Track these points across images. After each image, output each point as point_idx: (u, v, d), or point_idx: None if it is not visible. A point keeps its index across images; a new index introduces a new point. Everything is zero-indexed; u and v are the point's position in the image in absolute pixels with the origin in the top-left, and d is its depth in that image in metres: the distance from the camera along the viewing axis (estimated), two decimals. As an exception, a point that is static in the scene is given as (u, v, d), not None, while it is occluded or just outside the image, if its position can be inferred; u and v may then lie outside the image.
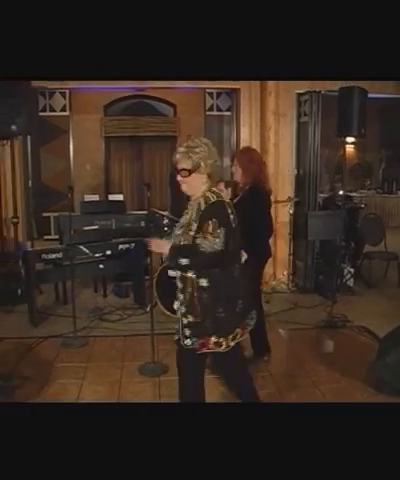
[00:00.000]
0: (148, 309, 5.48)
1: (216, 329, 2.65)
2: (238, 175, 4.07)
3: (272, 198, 4.75)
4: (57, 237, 6.71)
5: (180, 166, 2.67)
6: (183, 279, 2.70)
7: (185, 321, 2.72)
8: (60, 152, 9.39)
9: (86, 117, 9.91)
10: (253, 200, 3.98)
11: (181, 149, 2.68)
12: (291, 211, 6.28)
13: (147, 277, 5.35)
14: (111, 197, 8.19)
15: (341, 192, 6.70)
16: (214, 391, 3.79)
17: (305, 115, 6.29)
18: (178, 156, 2.67)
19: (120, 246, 5.65)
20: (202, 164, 2.64)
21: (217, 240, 2.57)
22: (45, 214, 9.39)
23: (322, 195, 7.39)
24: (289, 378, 4.00)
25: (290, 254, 6.41)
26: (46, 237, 9.18)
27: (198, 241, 2.57)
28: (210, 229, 2.56)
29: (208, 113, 9.44)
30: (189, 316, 2.69)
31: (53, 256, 5.26)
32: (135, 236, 5.84)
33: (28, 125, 5.72)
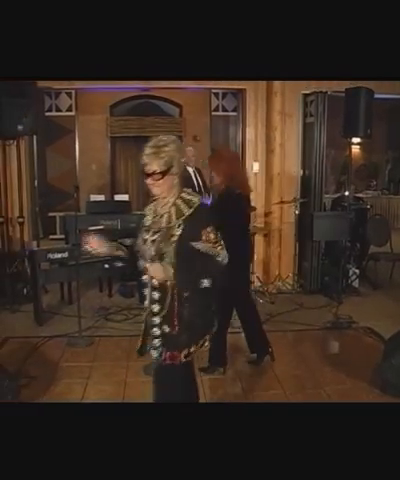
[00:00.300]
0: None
1: (191, 341, 2.51)
2: (213, 179, 4.07)
3: (281, 198, 4.77)
4: (63, 237, 6.72)
5: (150, 168, 2.40)
6: (163, 288, 2.47)
7: (157, 332, 2.54)
8: (66, 152, 9.40)
9: (92, 117, 9.91)
10: (224, 202, 3.94)
11: (149, 150, 2.41)
12: (297, 212, 6.27)
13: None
14: (117, 197, 8.19)
15: (347, 193, 6.68)
16: (218, 391, 3.80)
17: (311, 116, 6.28)
18: (146, 158, 2.41)
19: (126, 246, 5.65)
20: (174, 164, 2.41)
21: (225, 250, 2.46)
22: (51, 214, 9.39)
23: (328, 196, 7.38)
24: (294, 379, 4.00)
25: (295, 255, 6.40)
26: (52, 237, 9.19)
27: (213, 251, 2.41)
28: (212, 237, 2.42)
29: (214, 113, 9.43)
30: (165, 327, 2.50)
31: (59, 256, 5.27)
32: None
33: (34, 125, 5.74)
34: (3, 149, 6.06)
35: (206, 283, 2.45)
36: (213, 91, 9.18)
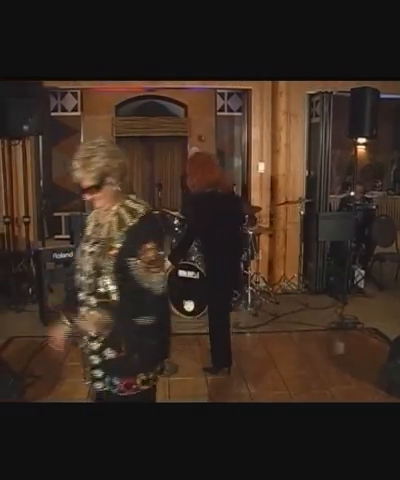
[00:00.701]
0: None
1: (145, 364, 2.17)
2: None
3: (286, 198, 4.75)
4: (68, 237, 6.72)
5: (83, 184, 2.14)
6: (104, 306, 2.12)
7: (97, 361, 2.20)
8: (71, 152, 9.23)
9: (97, 117, 9.93)
10: (195, 203, 4.01)
11: (76, 163, 2.13)
12: (302, 212, 6.27)
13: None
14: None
15: (352, 193, 6.67)
16: (223, 392, 3.80)
17: (316, 116, 6.27)
18: (76, 173, 2.13)
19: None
20: (108, 173, 2.12)
21: (161, 274, 2.14)
22: (56, 214, 9.41)
23: (333, 196, 7.36)
24: (299, 380, 3.99)
25: (301, 255, 6.39)
26: (57, 237, 9.20)
27: (146, 280, 2.07)
28: (151, 255, 2.07)
29: (219, 113, 9.42)
30: (108, 351, 2.15)
31: (64, 256, 5.28)
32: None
33: (40, 125, 5.75)
34: (9, 149, 6.08)
35: (144, 320, 2.07)
36: (218, 91, 9.17)
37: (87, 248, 2.21)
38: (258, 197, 6.55)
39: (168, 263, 3.80)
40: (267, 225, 6.45)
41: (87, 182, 2.13)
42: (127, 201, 2.21)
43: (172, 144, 11.09)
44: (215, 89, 8.82)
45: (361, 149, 11.72)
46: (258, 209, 6.15)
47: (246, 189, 6.85)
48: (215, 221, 3.85)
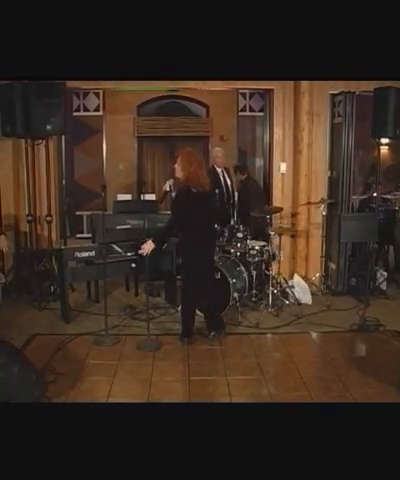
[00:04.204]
0: (179, 308, 5.51)
1: None
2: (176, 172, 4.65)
3: (308, 199, 4.74)
4: (90, 235, 6.77)
5: None
6: None
7: None
8: (93, 151, 9.46)
9: (119, 117, 9.99)
10: (179, 196, 4.64)
11: None
12: (324, 213, 6.22)
13: (179, 277, 5.36)
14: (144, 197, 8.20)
15: (375, 194, 6.61)
16: (244, 392, 3.79)
17: (339, 116, 6.23)
18: None
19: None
20: None
21: None
22: (78, 213, 9.47)
23: (355, 197, 7.30)
24: (320, 381, 3.97)
25: (322, 256, 6.35)
26: (79, 235, 9.27)
27: None
28: None
29: (241, 113, 9.38)
30: None
31: (86, 254, 5.31)
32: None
33: (63, 125, 5.80)
34: (32, 149, 6.15)
35: None
36: (240, 91, 9.14)
37: None
38: (280, 197, 6.53)
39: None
40: (289, 226, 6.43)
41: None
42: None
43: (194, 144, 11.06)
44: (237, 89, 8.79)
45: (384, 149, 11.59)
46: (279, 209, 6.13)
47: (268, 189, 6.83)
48: (193, 215, 4.49)
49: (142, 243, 4.57)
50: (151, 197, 7.81)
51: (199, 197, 4.48)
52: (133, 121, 10.51)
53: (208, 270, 4.81)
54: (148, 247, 4.51)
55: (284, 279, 6.20)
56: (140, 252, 4.62)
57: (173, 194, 4.52)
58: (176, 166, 4.60)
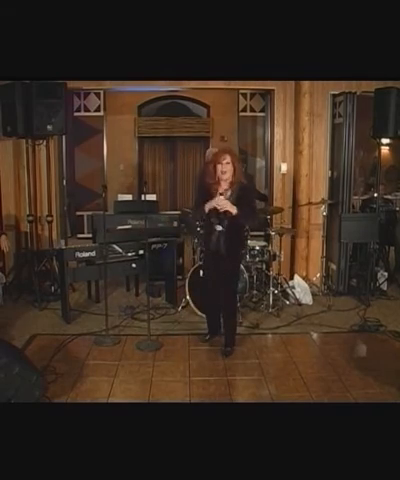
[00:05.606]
0: (180, 309, 5.52)
1: None
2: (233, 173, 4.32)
3: (309, 199, 4.75)
4: (90, 236, 6.77)
5: None
6: None
7: None
8: (94, 152, 9.48)
9: (120, 117, 10.00)
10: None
11: None
12: (325, 213, 6.22)
13: (179, 277, 5.37)
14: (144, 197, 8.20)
15: (376, 195, 6.60)
16: (243, 393, 3.79)
17: (340, 116, 6.22)
18: None
19: (153, 246, 5.67)
20: None
21: None
22: (79, 213, 9.50)
23: (356, 197, 7.30)
24: (321, 382, 3.96)
25: (323, 256, 6.35)
26: (79, 235, 9.29)
27: None
28: None
29: (241, 114, 9.40)
30: None
31: (86, 254, 5.30)
32: (168, 236, 5.87)
33: (64, 125, 5.80)
34: (33, 149, 6.15)
35: None
36: (241, 91, 9.15)
37: None
38: (281, 198, 6.53)
39: None
40: (290, 226, 6.43)
41: None
42: None
43: (195, 144, 11.11)
44: (238, 89, 8.80)
45: (385, 150, 11.60)
46: (280, 209, 6.13)
47: (269, 189, 6.82)
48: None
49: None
50: (152, 197, 7.80)
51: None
52: (134, 121, 10.52)
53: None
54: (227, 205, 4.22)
55: (285, 279, 6.19)
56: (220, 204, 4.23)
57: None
58: (227, 165, 4.24)
